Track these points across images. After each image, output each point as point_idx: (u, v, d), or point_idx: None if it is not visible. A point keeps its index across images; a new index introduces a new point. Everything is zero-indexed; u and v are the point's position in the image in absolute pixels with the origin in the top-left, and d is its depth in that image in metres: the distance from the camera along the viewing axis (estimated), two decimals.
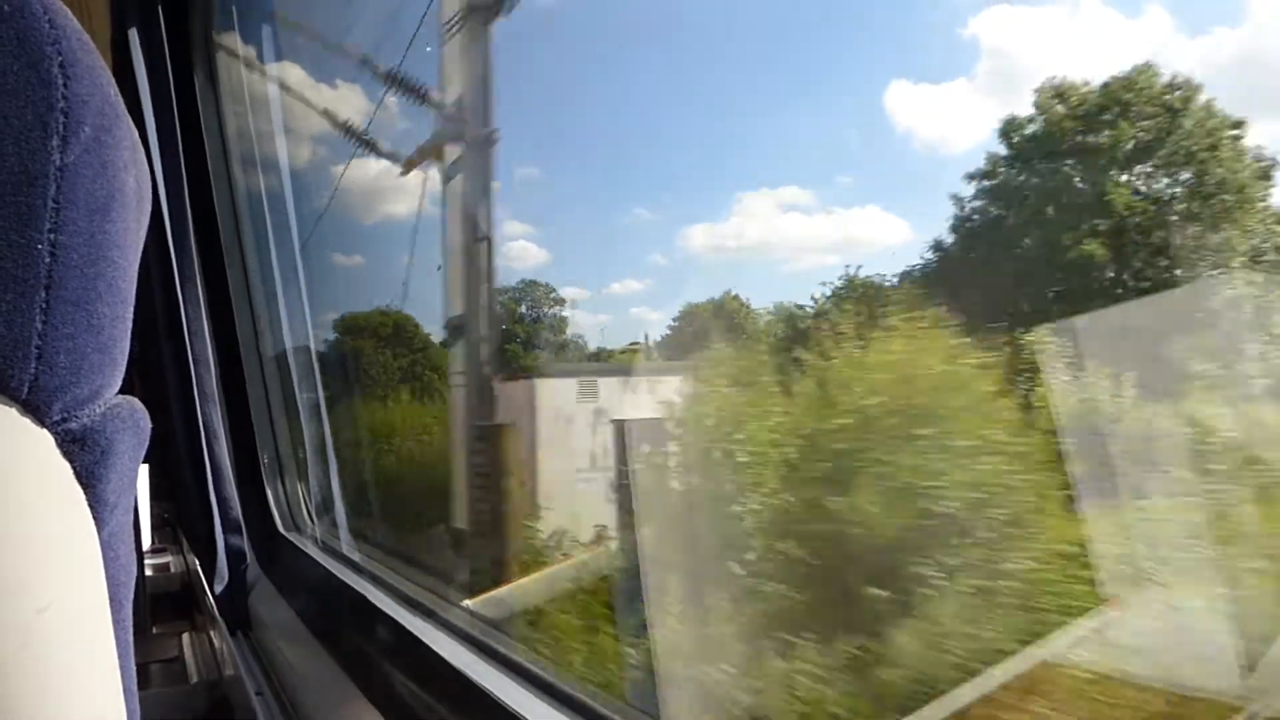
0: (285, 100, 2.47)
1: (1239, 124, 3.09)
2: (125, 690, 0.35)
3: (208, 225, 2.02)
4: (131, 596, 0.38)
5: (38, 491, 0.31)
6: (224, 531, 1.93)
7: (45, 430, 0.32)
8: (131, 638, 0.38)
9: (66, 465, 0.33)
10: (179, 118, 1.92)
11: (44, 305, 0.31)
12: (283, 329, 2.24)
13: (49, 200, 0.31)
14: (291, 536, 2.04)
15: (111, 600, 0.35)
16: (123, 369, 0.36)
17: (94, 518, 0.34)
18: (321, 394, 2.38)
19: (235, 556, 1.93)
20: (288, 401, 2.23)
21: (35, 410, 0.31)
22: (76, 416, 0.33)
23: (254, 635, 1.79)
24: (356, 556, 1.89)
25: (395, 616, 1.26)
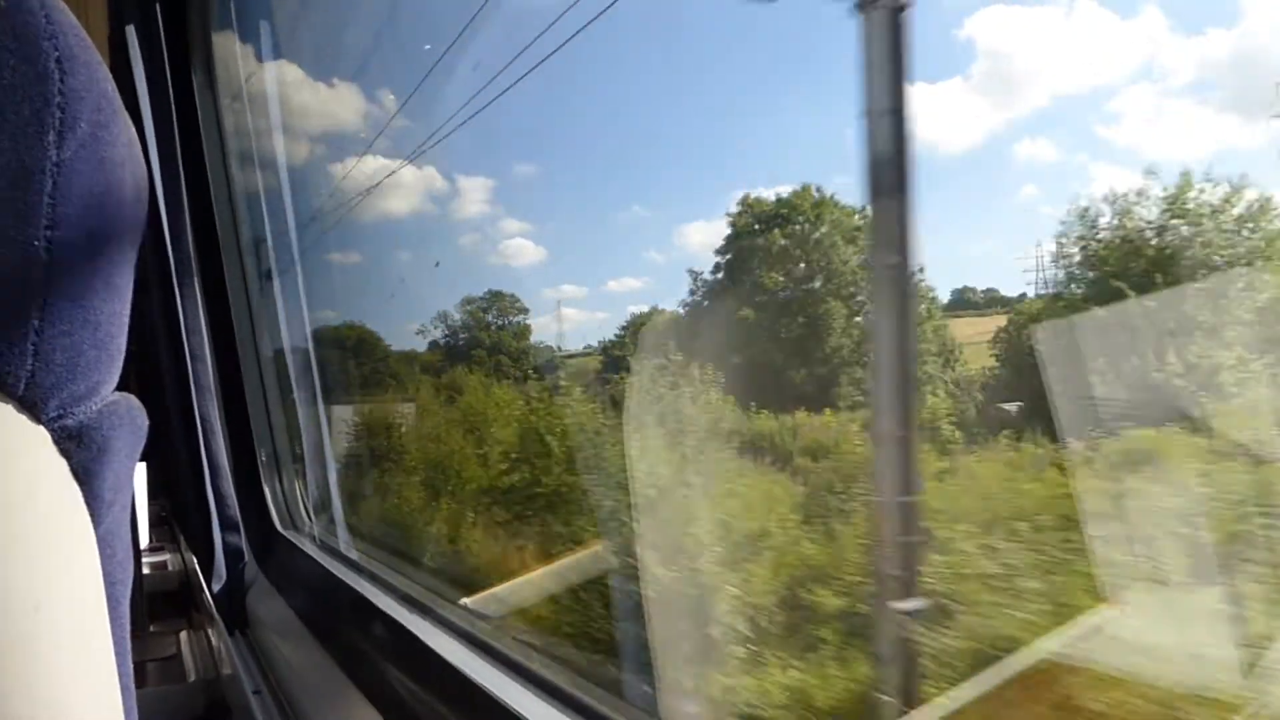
0: (283, 97, 2.47)
1: (857, 228, 4.98)
2: (122, 688, 0.35)
3: (205, 222, 2.01)
4: (128, 594, 0.38)
5: (34, 489, 0.31)
6: (221, 529, 1.93)
7: (42, 427, 0.32)
8: (128, 636, 0.38)
9: (63, 462, 0.32)
10: (176, 114, 1.91)
11: (40, 302, 0.31)
12: (280, 326, 2.23)
13: (45, 196, 0.31)
14: (289, 534, 2.04)
15: (108, 598, 0.35)
16: (120, 366, 0.36)
17: (90, 515, 0.33)
18: (320, 391, 2.38)
19: (233, 554, 1.93)
20: (285, 398, 2.22)
21: (31, 407, 0.31)
22: (73, 413, 0.33)
23: (251, 634, 1.79)
24: (355, 555, 1.89)
25: (393, 615, 1.26)
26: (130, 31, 1.84)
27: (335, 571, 1.63)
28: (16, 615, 0.28)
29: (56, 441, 0.32)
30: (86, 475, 0.33)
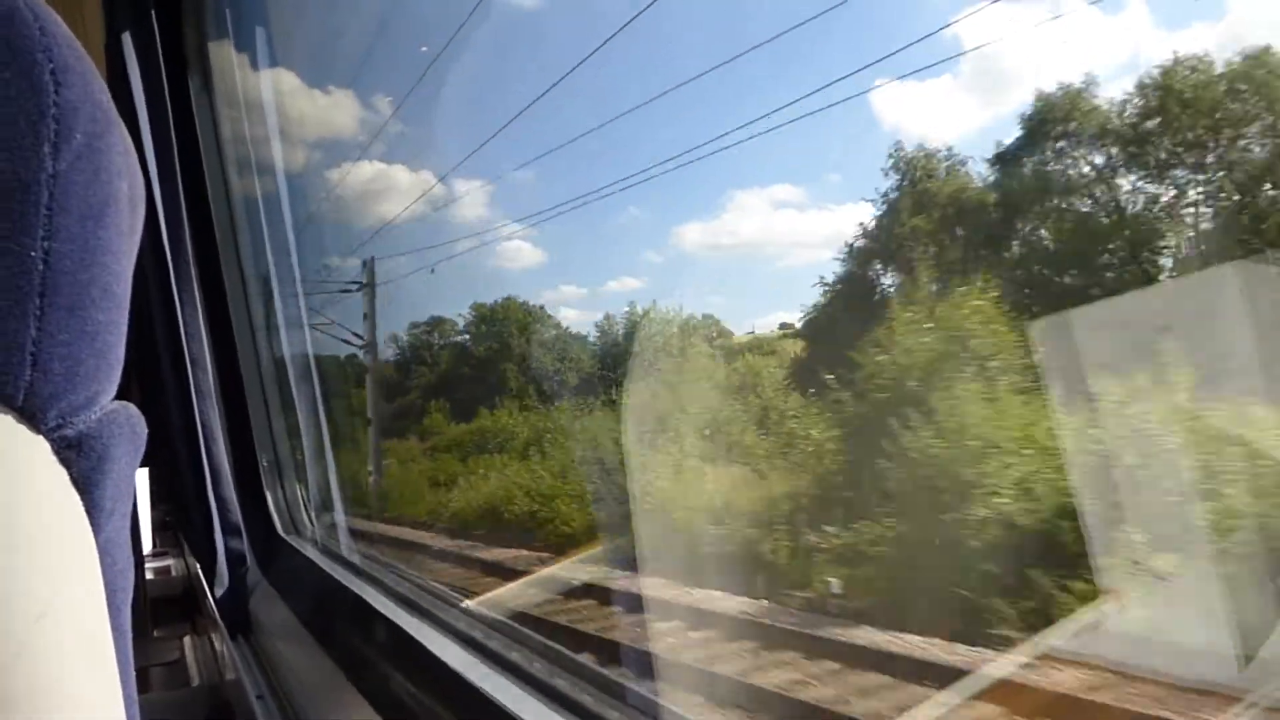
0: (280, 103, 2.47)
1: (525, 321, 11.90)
2: (125, 695, 0.35)
3: (203, 229, 2.01)
4: (130, 601, 0.38)
5: (34, 498, 0.31)
6: (223, 534, 1.93)
7: (41, 437, 0.32)
8: (130, 642, 0.38)
9: (63, 471, 0.33)
10: (173, 121, 1.91)
11: (38, 312, 0.31)
12: (279, 331, 2.24)
13: (42, 207, 0.31)
14: (291, 539, 2.04)
15: (110, 605, 0.35)
16: (118, 374, 0.36)
17: (91, 523, 0.34)
18: (319, 395, 2.38)
19: (235, 559, 1.93)
20: (285, 403, 2.22)
21: (31, 417, 0.31)
22: (72, 423, 0.33)
23: (254, 638, 1.79)
24: (356, 559, 1.89)
25: (395, 619, 1.26)
26: (126, 39, 1.84)
27: (337, 576, 1.63)
28: (19, 624, 0.28)
29: (56, 451, 0.32)
30: (87, 484, 0.33)
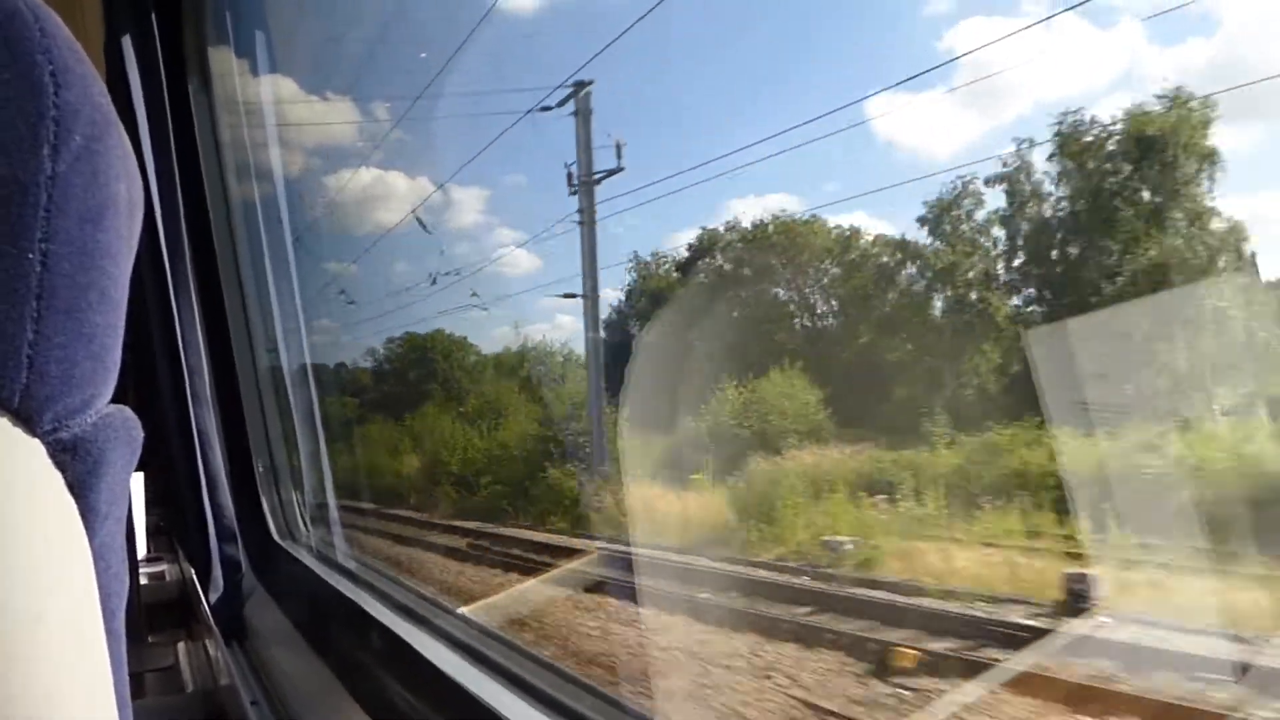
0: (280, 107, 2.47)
1: (450, 347, 13.57)
2: (118, 700, 0.35)
3: (201, 233, 2.01)
4: (124, 606, 0.38)
5: (28, 501, 0.31)
6: (219, 540, 1.92)
7: (36, 440, 0.32)
8: (124, 647, 0.38)
9: (58, 475, 0.32)
10: (173, 124, 1.91)
11: (35, 314, 0.31)
12: (277, 336, 2.23)
13: (40, 209, 0.31)
14: (286, 545, 2.03)
15: (103, 609, 0.34)
16: (115, 378, 0.36)
17: (85, 527, 0.33)
18: (316, 401, 2.37)
19: (230, 565, 1.92)
20: (281, 409, 2.22)
21: (26, 420, 0.31)
22: (68, 426, 0.33)
23: (249, 644, 1.78)
24: (352, 565, 1.89)
25: (390, 626, 1.25)
26: (126, 42, 1.84)
27: (332, 582, 1.62)
28: (11, 628, 0.28)
29: (51, 454, 0.32)
30: (82, 488, 0.33)
